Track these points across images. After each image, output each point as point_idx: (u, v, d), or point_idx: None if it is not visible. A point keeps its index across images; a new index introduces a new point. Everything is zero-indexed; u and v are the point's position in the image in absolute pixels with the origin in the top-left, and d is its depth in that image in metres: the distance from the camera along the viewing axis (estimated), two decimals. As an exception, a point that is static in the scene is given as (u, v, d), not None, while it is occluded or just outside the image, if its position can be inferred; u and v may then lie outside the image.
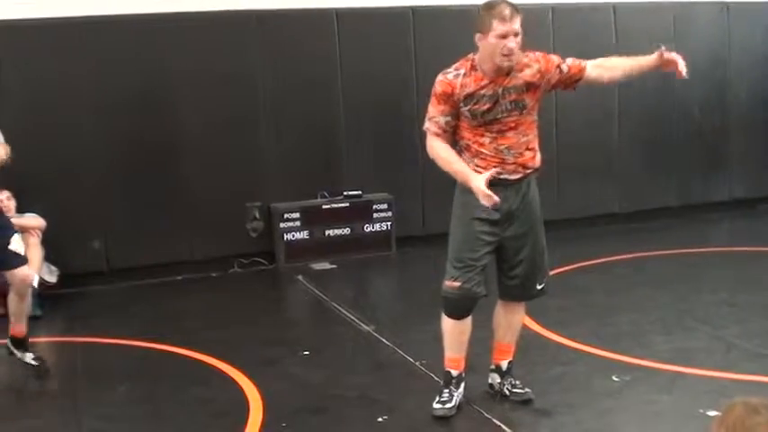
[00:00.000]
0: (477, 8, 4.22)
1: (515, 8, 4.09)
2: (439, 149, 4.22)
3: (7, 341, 5.44)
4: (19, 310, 5.34)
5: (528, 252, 4.36)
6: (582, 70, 4.29)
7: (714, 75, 9.61)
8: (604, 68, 4.34)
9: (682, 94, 9.46)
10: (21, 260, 5.22)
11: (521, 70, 4.19)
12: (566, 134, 8.87)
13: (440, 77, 4.23)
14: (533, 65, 4.22)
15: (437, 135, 4.22)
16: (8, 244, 5.11)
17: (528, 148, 4.26)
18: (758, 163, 9.99)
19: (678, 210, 9.54)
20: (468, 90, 4.15)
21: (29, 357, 5.38)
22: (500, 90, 4.15)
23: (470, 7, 8.49)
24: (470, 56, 4.24)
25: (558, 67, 4.26)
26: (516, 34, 4.08)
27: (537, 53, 4.28)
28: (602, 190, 9.26)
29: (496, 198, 3.99)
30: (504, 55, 4.08)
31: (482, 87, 4.15)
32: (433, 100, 4.23)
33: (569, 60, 4.31)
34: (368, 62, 8.31)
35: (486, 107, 4.15)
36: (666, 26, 9.38)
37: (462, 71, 4.19)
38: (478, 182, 4.02)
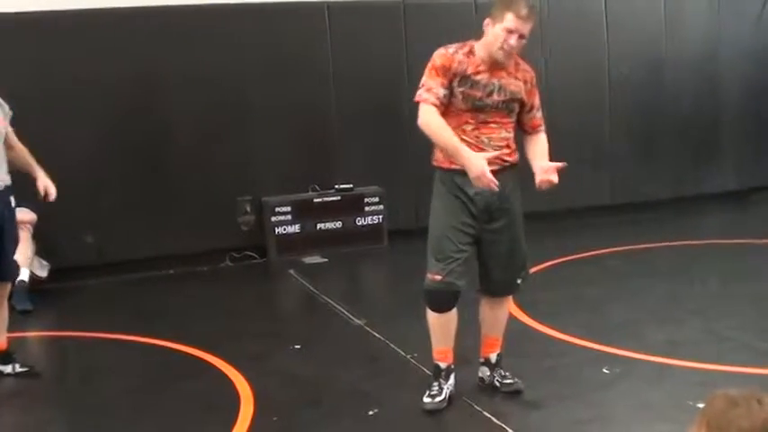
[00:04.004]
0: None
1: (533, 12, 4.12)
2: (436, 119, 4.12)
3: None
4: (2, 319, 5.05)
5: (508, 246, 4.35)
6: (534, 128, 4.38)
7: (705, 67, 9.63)
8: (533, 143, 4.38)
9: (673, 87, 9.49)
10: (18, 272, 5.17)
11: (515, 75, 4.24)
12: (556, 126, 8.84)
13: (440, 51, 4.21)
14: (526, 84, 4.28)
15: (435, 106, 4.13)
16: (14, 253, 4.97)
17: (507, 145, 4.27)
18: (750, 155, 10.01)
19: (670, 202, 9.55)
20: (466, 71, 4.15)
21: (18, 368, 5.09)
22: (497, 84, 4.17)
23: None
24: (469, 42, 4.26)
25: (532, 108, 4.34)
26: (523, 36, 4.11)
27: (532, 74, 4.33)
28: (593, 182, 9.26)
29: (495, 183, 3.98)
30: (503, 49, 4.11)
31: (479, 73, 4.16)
32: (431, 73, 4.17)
33: (539, 114, 4.39)
34: (360, 56, 8.31)
35: (479, 95, 4.16)
36: (657, 19, 9.40)
37: (461, 53, 4.20)
38: (478, 161, 3.98)
